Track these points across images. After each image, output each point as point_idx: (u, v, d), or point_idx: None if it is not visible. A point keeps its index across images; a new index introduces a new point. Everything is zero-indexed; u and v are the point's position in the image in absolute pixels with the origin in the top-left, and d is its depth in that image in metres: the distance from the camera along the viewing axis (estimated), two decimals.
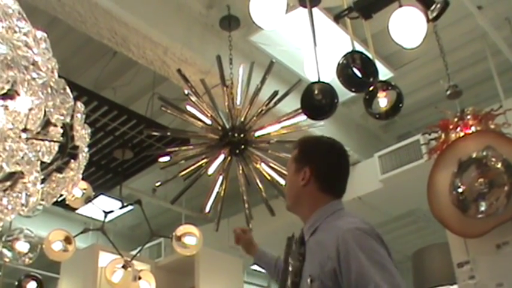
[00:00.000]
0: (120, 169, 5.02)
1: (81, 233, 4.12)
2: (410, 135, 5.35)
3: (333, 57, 2.78)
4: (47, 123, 1.51)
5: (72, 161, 1.65)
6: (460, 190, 2.77)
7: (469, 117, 3.04)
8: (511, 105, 3.35)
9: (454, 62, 4.42)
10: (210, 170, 3.43)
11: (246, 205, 3.57)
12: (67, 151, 1.63)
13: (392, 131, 5.99)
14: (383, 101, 2.76)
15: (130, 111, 4.49)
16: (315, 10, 3.07)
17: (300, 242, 1.76)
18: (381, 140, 5.93)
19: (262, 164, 3.52)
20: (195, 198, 5.50)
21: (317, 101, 2.58)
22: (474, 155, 2.77)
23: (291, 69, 4.68)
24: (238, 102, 3.52)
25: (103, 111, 4.33)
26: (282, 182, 3.45)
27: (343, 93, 2.85)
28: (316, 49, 2.76)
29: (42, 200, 1.61)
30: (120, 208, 5.03)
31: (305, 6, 2.85)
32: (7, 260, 4.60)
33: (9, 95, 1.34)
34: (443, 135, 3.10)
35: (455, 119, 3.07)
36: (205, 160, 3.52)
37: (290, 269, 1.72)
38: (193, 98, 3.51)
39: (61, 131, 1.57)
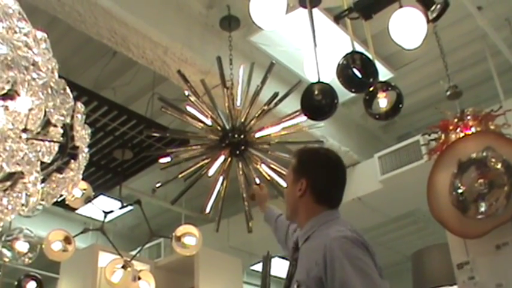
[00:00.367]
0: (119, 169, 5.02)
1: (81, 233, 4.12)
2: (410, 135, 5.35)
3: (333, 57, 2.78)
4: (47, 124, 1.51)
5: (72, 161, 1.65)
6: (459, 191, 2.77)
7: (469, 117, 3.04)
8: (511, 105, 3.35)
9: (454, 63, 4.42)
10: (211, 172, 3.43)
11: (246, 205, 3.57)
12: (67, 151, 1.63)
13: (392, 131, 5.99)
14: (383, 101, 2.76)
15: (130, 111, 4.48)
16: (315, 10, 3.07)
17: (294, 248, 1.85)
18: (381, 140, 5.93)
19: (263, 165, 3.52)
20: (194, 199, 5.49)
21: (317, 102, 2.58)
22: (474, 156, 2.77)
23: (291, 69, 4.68)
24: (238, 103, 3.51)
25: (103, 111, 4.33)
26: (282, 182, 3.45)
27: (343, 94, 2.85)
28: (316, 49, 2.76)
29: (42, 200, 1.61)
30: (120, 208, 5.03)
31: (305, 7, 2.85)
32: (7, 259, 4.61)
33: (10, 95, 1.34)
34: (443, 136, 3.10)
35: (455, 120, 3.07)
36: (205, 161, 3.52)
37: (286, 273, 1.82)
38: (193, 99, 3.50)
39: (61, 131, 1.57)
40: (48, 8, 3.53)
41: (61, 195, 1.70)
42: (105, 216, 4.10)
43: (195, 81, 3.72)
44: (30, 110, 1.39)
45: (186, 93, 3.55)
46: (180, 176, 3.59)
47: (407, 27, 2.61)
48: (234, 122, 3.50)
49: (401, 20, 2.61)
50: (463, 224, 2.76)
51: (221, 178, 3.51)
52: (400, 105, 2.76)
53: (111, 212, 4.21)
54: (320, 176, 1.86)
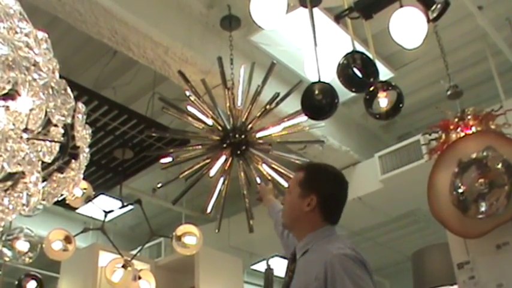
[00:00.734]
0: (120, 169, 5.02)
1: (81, 232, 4.13)
2: (410, 135, 5.35)
3: (333, 57, 2.78)
4: (47, 124, 1.51)
5: (73, 161, 1.66)
6: (460, 190, 2.76)
7: (469, 117, 3.03)
8: None
9: (454, 62, 4.42)
10: (212, 172, 3.43)
11: (247, 205, 3.57)
12: (68, 151, 1.63)
13: (393, 131, 5.99)
14: (383, 101, 2.76)
15: (131, 111, 4.48)
16: (315, 10, 3.07)
17: (292, 259, 1.91)
18: (381, 140, 5.93)
19: (264, 165, 3.52)
20: (195, 198, 5.50)
21: (317, 101, 2.58)
22: (474, 156, 2.77)
23: (292, 69, 4.68)
24: (239, 103, 3.51)
25: (103, 110, 4.33)
26: (283, 182, 3.45)
27: (344, 94, 2.85)
28: (317, 49, 2.76)
29: (43, 199, 1.61)
30: (120, 208, 5.03)
31: (306, 6, 2.85)
32: (7, 259, 4.61)
33: (11, 95, 1.34)
34: (443, 136, 3.10)
35: (456, 119, 3.07)
36: (206, 161, 3.52)
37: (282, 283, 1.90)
38: (194, 98, 3.50)
39: (62, 131, 1.57)
40: (48, 8, 3.54)
41: (62, 195, 1.70)
42: (105, 216, 4.10)
43: (196, 81, 3.72)
44: (31, 110, 1.39)
45: (187, 93, 3.55)
46: (181, 176, 3.59)
47: (407, 26, 2.61)
48: (234, 122, 3.50)
49: (402, 20, 2.61)
50: (464, 224, 2.76)
51: (222, 178, 3.51)
52: (401, 105, 2.76)
53: (112, 211, 4.22)
54: (330, 193, 1.92)
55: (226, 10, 4.16)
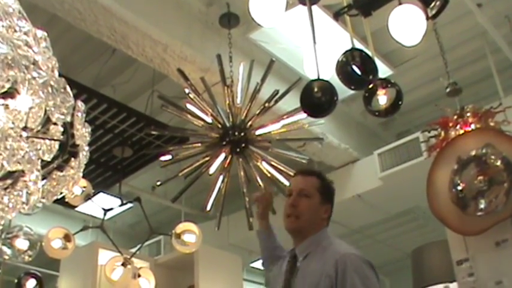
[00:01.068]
0: (119, 167, 5.02)
1: (81, 230, 4.13)
2: (409, 132, 5.35)
3: (332, 54, 2.78)
4: (47, 122, 1.51)
5: (72, 159, 1.65)
6: (459, 188, 2.77)
7: (468, 114, 3.04)
8: (511, 103, 3.36)
9: (453, 60, 4.42)
10: (211, 170, 3.43)
11: (247, 202, 3.58)
12: (67, 149, 1.63)
13: (392, 128, 5.99)
14: (382, 98, 2.75)
15: (130, 109, 4.48)
16: (314, 8, 3.06)
17: (292, 261, 1.96)
18: (381, 137, 5.93)
19: (263, 162, 3.52)
20: (194, 196, 5.50)
21: (316, 99, 2.58)
22: (474, 153, 2.78)
23: (291, 66, 4.68)
24: (238, 101, 3.51)
25: (102, 108, 4.33)
26: (282, 179, 3.46)
27: (343, 91, 2.84)
28: (316, 47, 2.76)
29: (43, 198, 1.61)
30: (120, 206, 5.03)
31: (304, 4, 2.84)
32: (6, 257, 4.61)
33: (10, 93, 1.34)
34: (442, 133, 3.11)
35: (455, 117, 3.07)
36: (206, 159, 3.52)
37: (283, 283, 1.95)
38: (193, 96, 3.50)
39: (61, 129, 1.57)
40: (47, 6, 3.54)
41: (61, 193, 1.70)
42: (105, 214, 4.11)
43: (195, 79, 3.71)
44: (30, 108, 1.39)
45: (186, 90, 3.55)
46: (180, 174, 3.59)
47: (406, 24, 2.61)
48: (234, 120, 3.50)
49: (401, 17, 2.61)
50: (463, 221, 2.77)
51: (221, 176, 3.52)
52: (400, 102, 2.76)
53: (111, 209, 4.23)
54: (332, 204, 2.07)
55: (225, 8, 4.16)
